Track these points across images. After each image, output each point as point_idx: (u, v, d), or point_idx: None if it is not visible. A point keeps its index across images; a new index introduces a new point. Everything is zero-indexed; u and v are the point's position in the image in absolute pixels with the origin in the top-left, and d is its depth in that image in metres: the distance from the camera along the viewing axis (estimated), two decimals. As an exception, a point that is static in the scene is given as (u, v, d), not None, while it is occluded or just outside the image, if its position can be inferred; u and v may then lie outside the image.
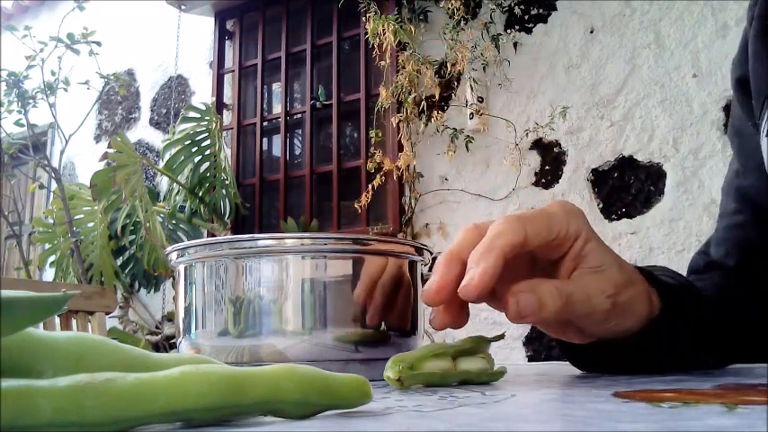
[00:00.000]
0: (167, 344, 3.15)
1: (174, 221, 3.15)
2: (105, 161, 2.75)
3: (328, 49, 3.25)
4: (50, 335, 0.25)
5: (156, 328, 3.36)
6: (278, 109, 3.44)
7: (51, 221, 3.16)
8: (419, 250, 0.53)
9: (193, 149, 3.02)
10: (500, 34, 2.66)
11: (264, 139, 3.43)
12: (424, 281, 0.54)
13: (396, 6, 2.92)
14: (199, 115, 3.04)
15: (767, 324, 0.56)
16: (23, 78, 3.11)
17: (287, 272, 0.47)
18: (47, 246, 3.19)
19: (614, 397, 0.30)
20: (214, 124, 3.03)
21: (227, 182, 3.11)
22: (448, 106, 2.78)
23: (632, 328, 0.46)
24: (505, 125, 2.63)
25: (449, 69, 2.66)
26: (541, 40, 2.66)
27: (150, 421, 0.22)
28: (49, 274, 3.59)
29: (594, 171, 2.49)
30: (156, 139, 3.73)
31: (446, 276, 0.42)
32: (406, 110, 2.73)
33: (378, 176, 2.72)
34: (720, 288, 0.58)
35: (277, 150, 3.41)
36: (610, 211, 2.44)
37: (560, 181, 2.54)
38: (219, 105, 3.46)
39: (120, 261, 3.19)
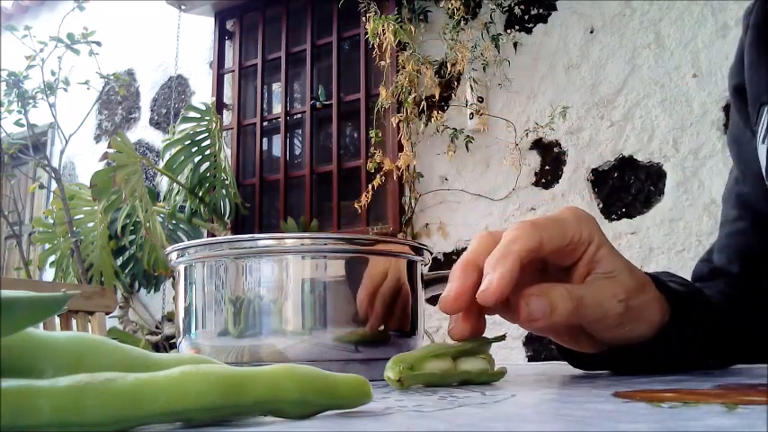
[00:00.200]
0: (167, 344, 3.15)
1: (174, 221, 3.15)
2: (105, 161, 2.75)
3: (328, 49, 3.25)
4: (50, 335, 0.25)
5: (156, 328, 3.36)
6: (278, 109, 3.44)
7: (51, 221, 3.16)
8: (419, 250, 0.53)
9: (193, 149, 3.02)
10: (500, 34, 2.66)
11: (264, 139, 3.43)
12: (424, 281, 0.54)
13: (396, 6, 2.92)
14: (199, 115, 3.04)
15: None
16: (23, 78, 3.11)
17: (287, 272, 0.47)
18: (47, 246, 3.19)
19: (614, 397, 0.30)
20: (214, 124, 3.03)
21: (227, 182, 3.11)
22: (448, 106, 2.78)
23: (645, 334, 0.46)
24: (505, 125, 2.63)
25: (449, 69, 2.66)
26: (541, 40, 2.66)
27: (150, 421, 0.22)
28: (49, 274, 3.59)
29: (594, 171, 2.49)
30: (156, 139, 3.73)
31: (463, 283, 0.41)
32: (406, 110, 2.73)
33: (378, 176, 2.72)
34: (726, 296, 0.58)
35: (277, 150, 3.41)
36: (610, 211, 2.44)
37: (560, 181, 2.54)
38: (219, 105, 3.46)
39: (120, 261, 3.19)
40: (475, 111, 2.66)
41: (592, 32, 2.56)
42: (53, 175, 3.15)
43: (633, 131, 2.44)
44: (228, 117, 3.52)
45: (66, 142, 3.12)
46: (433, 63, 2.72)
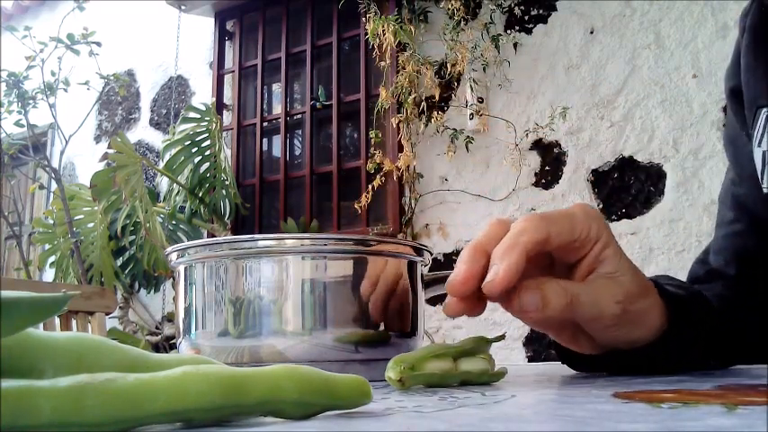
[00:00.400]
0: (167, 344, 3.15)
1: (174, 222, 3.15)
2: (105, 161, 2.75)
3: (328, 49, 3.25)
4: (50, 335, 0.25)
5: (156, 328, 3.36)
6: (278, 109, 3.44)
7: (51, 222, 3.16)
8: (419, 251, 0.53)
9: (193, 150, 3.02)
10: (500, 35, 2.66)
11: (264, 140, 3.43)
12: (424, 281, 0.54)
13: (396, 7, 2.92)
14: (199, 116, 3.04)
15: (766, 331, 0.56)
16: (23, 79, 3.11)
17: (287, 272, 0.47)
18: (47, 246, 3.19)
19: (614, 397, 0.30)
20: (214, 125, 3.03)
21: (227, 182, 3.11)
22: (448, 107, 2.78)
23: (641, 339, 0.46)
24: (505, 126, 2.63)
25: (449, 70, 2.66)
26: (541, 40, 2.66)
27: (150, 421, 0.22)
28: (49, 275, 3.59)
29: (594, 171, 2.49)
30: (156, 139, 3.73)
31: (471, 267, 0.41)
32: (406, 110, 2.73)
33: (378, 177, 2.72)
34: (724, 297, 0.58)
35: (277, 151, 3.41)
36: (610, 212, 2.44)
37: (560, 181, 2.54)
38: (219, 106, 3.46)
39: (120, 261, 3.19)
40: (475, 111, 2.66)
41: (592, 33, 2.56)
42: (53, 175, 3.15)
43: (633, 132, 2.44)
44: (228, 117, 3.52)
45: (67, 143, 3.12)
46: (433, 63, 2.72)
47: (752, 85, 0.60)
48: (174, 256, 0.51)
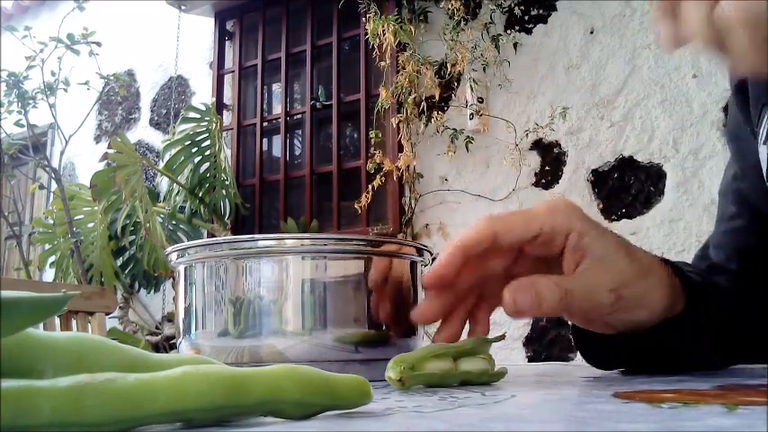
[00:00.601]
0: (167, 344, 3.15)
1: (174, 222, 3.15)
2: (105, 161, 2.75)
3: (328, 49, 3.25)
4: (50, 335, 0.25)
5: (156, 328, 3.36)
6: (278, 109, 3.44)
7: (51, 222, 3.16)
8: (419, 251, 0.53)
9: (193, 150, 3.02)
10: (500, 35, 2.66)
11: (264, 140, 3.43)
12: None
13: (396, 7, 2.92)
14: (199, 116, 3.04)
15: (767, 327, 0.56)
16: (23, 79, 3.11)
17: (287, 272, 0.47)
18: (47, 246, 3.19)
19: (614, 397, 0.31)
20: (214, 125, 3.03)
21: (227, 182, 3.11)
22: (448, 107, 2.78)
23: (645, 321, 0.45)
24: (505, 126, 2.63)
25: (449, 70, 2.66)
26: (541, 40, 2.66)
27: (150, 421, 0.22)
28: (49, 275, 3.59)
29: (594, 171, 2.49)
30: (156, 139, 3.73)
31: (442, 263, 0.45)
32: (406, 110, 2.73)
33: (378, 177, 2.72)
34: (726, 291, 0.58)
35: (277, 151, 3.41)
36: (610, 212, 2.44)
37: (560, 181, 2.54)
38: (219, 106, 3.46)
39: (120, 261, 3.19)
40: (475, 111, 2.66)
41: (592, 33, 2.56)
42: (53, 175, 3.15)
43: (633, 132, 2.44)
44: (228, 117, 3.52)
45: (66, 143, 3.12)
46: (433, 63, 2.72)
47: (757, 81, 0.60)
48: (174, 256, 0.51)
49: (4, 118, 3.14)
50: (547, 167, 2.58)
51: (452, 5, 2.64)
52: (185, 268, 0.51)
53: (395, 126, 2.79)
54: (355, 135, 3.16)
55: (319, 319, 0.47)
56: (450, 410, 0.28)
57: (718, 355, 0.52)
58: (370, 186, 2.74)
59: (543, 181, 2.58)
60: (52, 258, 3.15)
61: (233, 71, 3.54)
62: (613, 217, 2.43)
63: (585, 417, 0.25)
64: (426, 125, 2.75)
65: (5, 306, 0.21)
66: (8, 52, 3.21)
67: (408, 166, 2.73)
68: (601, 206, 2.46)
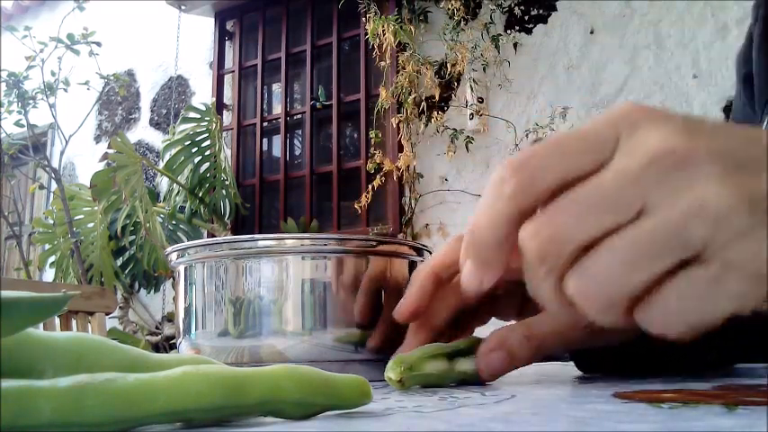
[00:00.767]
0: (167, 344, 3.15)
1: (174, 222, 3.15)
2: (105, 161, 2.75)
3: (328, 49, 3.25)
4: (50, 335, 0.25)
5: (156, 328, 3.36)
6: (278, 109, 3.44)
7: (51, 222, 3.16)
8: (419, 251, 0.53)
9: (193, 150, 3.02)
10: (500, 35, 2.66)
11: (264, 140, 3.43)
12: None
13: (396, 7, 2.92)
14: (199, 116, 3.04)
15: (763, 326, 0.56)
16: (23, 79, 3.11)
17: (287, 272, 0.47)
18: (47, 246, 3.19)
19: (614, 397, 0.31)
20: (214, 125, 3.03)
21: (227, 182, 3.11)
22: (448, 107, 2.78)
23: (628, 337, 0.45)
24: (505, 126, 2.63)
25: (449, 70, 2.66)
26: (541, 40, 2.66)
27: (150, 421, 0.22)
28: (49, 275, 3.59)
29: (594, 171, 2.49)
30: (156, 139, 3.73)
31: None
32: (406, 110, 2.73)
33: (378, 177, 2.72)
34: None
35: (277, 151, 3.41)
36: (610, 212, 2.44)
37: (560, 181, 2.54)
38: (219, 106, 3.46)
39: (120, 261, 3.19)
40: (475, 111, 2.66)
41: (592, 33, 2.56)
42: (53, 175, 3.15)
43: (633, 132, 2.44)
44: (228, 117, 3.52)
45: (67, 143, 3.12)
46: (433, 63, 2.72)
47: (763, 77, 0.60)
48: (174, 256, 0.51)
49: (4, 118, 3.14)
50: (547, 167, 2.58)
51: (452, 5, 2.64)
52: (185, 268, 0.51)
53: (395, 126, 2.79)
54: (355, 135, 3.16)
55: (319, 319, 0.47)
56: (450, 410, 0.28)
57: (712, 355, 0.52)
58: (370, 186, 2.74)
59: (543, 181, 2.58)
60: (52, 258, 3.15)
61: (233, 71, 3.54)
62: (613, 217, 2.43)
63: (585, 417, 0.25)
64: (426, 125, 2.75)
65: (5, 306, 0.21)
66: (8, 52, 3.21)
67: (408, 166, 2.73)
68: (601, 206, 2.46)
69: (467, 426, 0.23)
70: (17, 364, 0.23)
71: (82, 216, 3.12)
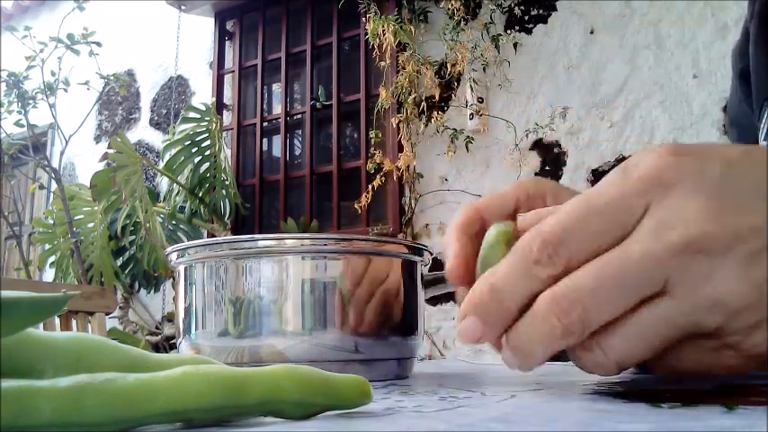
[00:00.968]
0: (167, 344, 3.15)
1: (174, 222, 3.15)
2: (105, 161, 2.75)
3: (328, 49, 3.25)
4: (50, 335, 0.25)
5: (156, 328, 3.36)
6: (278, 109, 3.44)
7: (51, 222, 3.16)
8: (419, 251, 0.53)
9: (193, 150, 3.02)
10: (500, 35, 2.66)
11: (264, 140, 3.43)
12: (423, 281, 0.54)
13: (396, 7, 2.92)
14: (199, 116, 3.04)
15: None
16: (23, 79, 3.11)
17: (287, 272, 0.47)
18: (47, 246, 3.19)
19: (614, 397, 0.31)
20: (214, 125, 3.03)
21: (227, 182, 3.11)
22: (448, 107, 2.78)
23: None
24: (505, 126, 2.63)
25: (449, 70, 2.66)
26: (541, 40, 2.66)
27: (150, 421, 0.22)
28: (49, 275, 3.59)
29: (594, 171, 2.49)
30: (156, 139, 3.73)
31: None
32: (406, 110, 2.73)
33: (378, 177, 2.72)
34: None
35: (277, 151, 3.41)
36: (610, 212, 2.44)
37: (560, 181, 2.54)
38: (219, 106, 3.46)
39: (120, 261, 3.19)
40: (475, 111, 2.66)
41: (592, 33, 2.56)
42: (53, 175, 3.15)
43: (633, 132, 2.44)
44: (228, 117, 3.52)
45: (67, 143, 3.12)
46: (433, 63, 2.72)
47: (760, 74, 0.60)
48: (174, 256, 0.51)
49: (4, 118, 3.14)
50: (547, 167, 2.58)
51: (452, 5, 2.64)
52: (185, 268, 0.51)
53: (395, 126, 2.79)
54: (355, 135, 3.16)
55: (319, 320, 0.47)
56: (450, 410, 0.28)
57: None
58: (370, 186, 2.74)
59: (543, 181, 2.58)
60: (52, 258, 3.15)
61: (233, 71, 3.54)
62: (613, 217, 2.43)
63: (585, 417, 0.25)
64: (426, 125, 2.75)
65: (5, 306, 0.21)
66: (8, 52, 3.21)
67: (408, 166, 2.73)
68: (601, 206, 2.46)
69: (467, 426, 0.23)
70: (17, 364, 0.23)
71: (82, 216, 3.12)
